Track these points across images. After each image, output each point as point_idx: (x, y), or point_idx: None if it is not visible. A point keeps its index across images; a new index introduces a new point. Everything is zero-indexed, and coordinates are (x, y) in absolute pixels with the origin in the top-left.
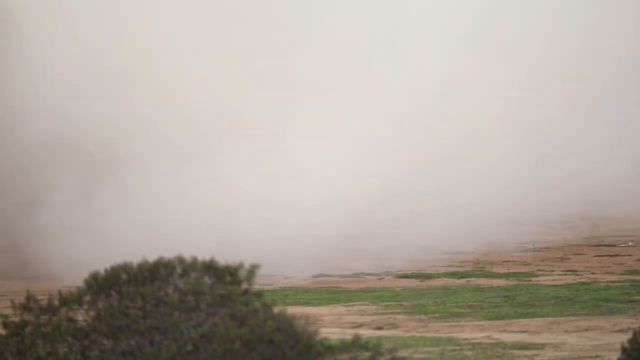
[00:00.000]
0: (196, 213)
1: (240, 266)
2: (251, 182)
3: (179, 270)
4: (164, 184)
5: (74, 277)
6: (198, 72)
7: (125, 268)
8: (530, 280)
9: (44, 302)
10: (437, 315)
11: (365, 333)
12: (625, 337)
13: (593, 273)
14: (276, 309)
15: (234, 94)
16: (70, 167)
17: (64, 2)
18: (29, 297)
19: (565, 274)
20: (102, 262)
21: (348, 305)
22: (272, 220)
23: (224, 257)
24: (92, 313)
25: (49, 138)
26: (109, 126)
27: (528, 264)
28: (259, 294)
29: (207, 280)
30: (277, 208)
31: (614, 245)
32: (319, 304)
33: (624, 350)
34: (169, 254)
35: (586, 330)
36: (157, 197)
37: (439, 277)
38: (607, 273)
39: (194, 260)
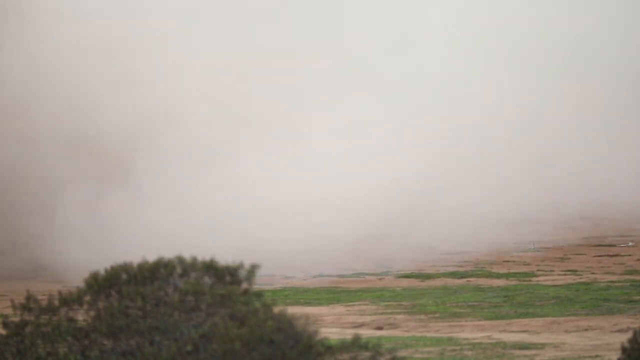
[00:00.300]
0: (201, 214)
1: (240, 266)
2: (252, 183)
3: (179, 270)
4: (176, 185)
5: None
6: (211, 74)
7: (125, 268)
8: (530, 280)
9: (44, 302)
10: (437, 315)
11: (365, 333)
12: (625, 337)
13: (593, 273)
14: (276, 309)
15: (246, 95)
16: (85, 166)
17: None
18: (29, 297)
19: (565, 274)
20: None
21: (348, 305)
22: (273, 220)
23: (225, 258)
24: (92, 313)
25: (65, 137)
26: (125, 126)
27: (528, 264)
28: (259, 294)
29: (207, 280)
30: (277, 208)
31: (614, 245)
32: (319, 304)
33: (624, 350)
34: (175, 254)
35: (586, 330)
36: (168, 197)
37: (439, 277)
38: (607, 273)
39: (194, 260)
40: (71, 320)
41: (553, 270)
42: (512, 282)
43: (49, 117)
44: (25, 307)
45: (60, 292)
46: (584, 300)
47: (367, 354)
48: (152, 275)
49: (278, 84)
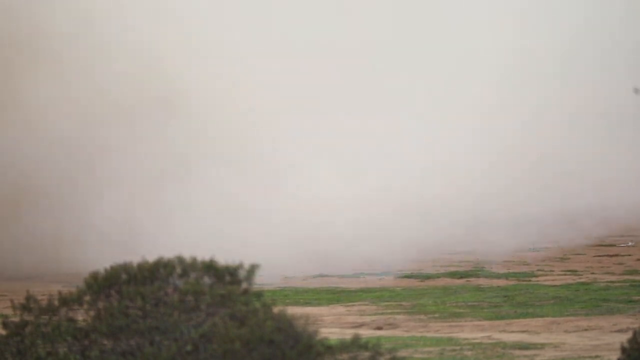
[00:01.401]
0: (225, 216)
1: (240, 266)
2: (254, 183)
3: (178, 270)
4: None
5: None
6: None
7: (125, 268)
8: (530, 280)
9: (44, 302)
10: (437, 315)
11: (365, 333)
12: (625, 337)
13: (593, 273)
14: (276, 309)
15: (249, 96)
16: (118, 169)
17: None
18: (29, 297)
19: (565, 274)
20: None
21: (348, 305)
22: (274, 220)
23: (225, 258)
24: (92, 313)
25: (94, 141)
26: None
27: (528, 264)
28: (259, 294)
29: (207, 280)
30: (278, 208)
31: (614, 245)
32: (319, 304)
33: (623, 350)
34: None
35: (586, 330)
36: (194, 200)
37: (439, 277)
38: (607, 273)
39: (194, 260)
40: (71, 320)
41: (553, 270)
42: (512, 282)
43: (79, 122)
44: (25, 307)
45: (60, 292)
46: (584, 300)
47: (367, 354)
48: (152, 275)
49: (298, 87)
